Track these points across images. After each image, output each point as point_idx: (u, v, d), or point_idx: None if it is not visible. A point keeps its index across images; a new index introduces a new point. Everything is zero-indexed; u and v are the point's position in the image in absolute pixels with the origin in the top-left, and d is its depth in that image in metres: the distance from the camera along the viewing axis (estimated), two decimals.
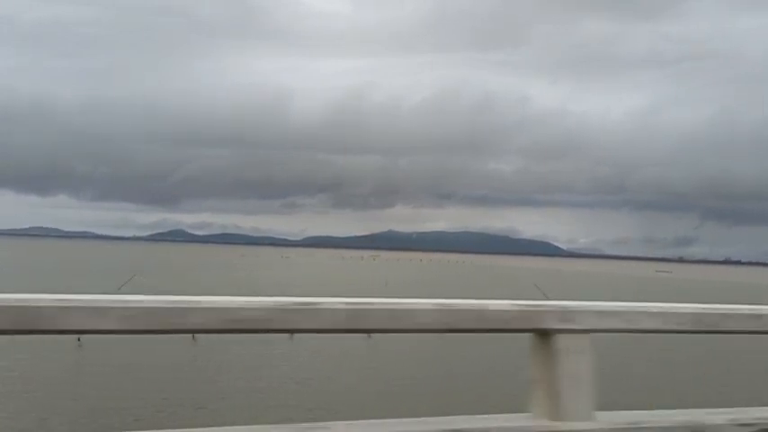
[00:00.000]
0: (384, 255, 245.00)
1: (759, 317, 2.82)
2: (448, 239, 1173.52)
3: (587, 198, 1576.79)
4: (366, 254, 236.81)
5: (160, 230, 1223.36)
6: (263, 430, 2.40)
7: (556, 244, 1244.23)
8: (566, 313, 2.54)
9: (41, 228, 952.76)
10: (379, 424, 2.48)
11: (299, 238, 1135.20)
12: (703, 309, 2.78)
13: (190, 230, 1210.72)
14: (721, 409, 2.76)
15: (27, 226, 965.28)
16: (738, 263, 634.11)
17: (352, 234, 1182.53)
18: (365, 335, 22.69)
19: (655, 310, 2.69)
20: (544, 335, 2.53)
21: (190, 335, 21.53)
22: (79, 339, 21.70)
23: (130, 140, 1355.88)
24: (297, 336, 20.64)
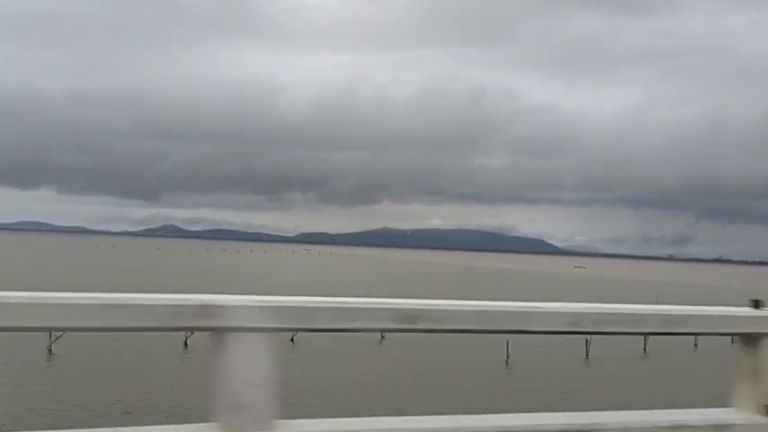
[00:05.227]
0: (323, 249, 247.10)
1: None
2: (443, 237, 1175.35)
3: (582, 195, 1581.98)
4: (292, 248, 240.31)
5: (152, 226, 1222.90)
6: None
7: (551, 242, 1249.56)
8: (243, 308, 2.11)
9: (32, 222, 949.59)
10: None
11: (292, 235, 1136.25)
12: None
13: (182, 226, 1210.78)
14: (444, 417, 2.39)
15: (17, 220, 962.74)
16: (729, 262, 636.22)
17: (347, 231, 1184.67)
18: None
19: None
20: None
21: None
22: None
23: (119, 134, 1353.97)
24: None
